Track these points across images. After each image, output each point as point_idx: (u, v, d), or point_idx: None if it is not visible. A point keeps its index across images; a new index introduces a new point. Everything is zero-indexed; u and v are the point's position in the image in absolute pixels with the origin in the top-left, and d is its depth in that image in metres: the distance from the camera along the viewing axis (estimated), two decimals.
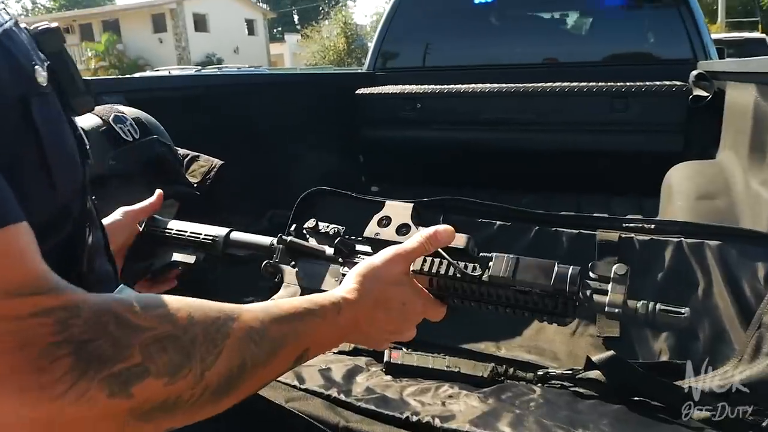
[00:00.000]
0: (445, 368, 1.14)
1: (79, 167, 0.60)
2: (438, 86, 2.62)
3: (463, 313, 1.44)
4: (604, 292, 0.66)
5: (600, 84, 2.39)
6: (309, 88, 2.85)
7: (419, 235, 0.72)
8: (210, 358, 0.47)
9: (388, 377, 1.12)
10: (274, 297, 0.80)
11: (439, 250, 0.72)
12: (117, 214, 0.95)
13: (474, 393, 1.05)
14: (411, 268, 0.72)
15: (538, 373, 1.16)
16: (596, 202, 2.46)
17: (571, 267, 0.67)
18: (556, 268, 0.67)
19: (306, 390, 1.02)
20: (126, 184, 1.37)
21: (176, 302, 0.49)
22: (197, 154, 1.57)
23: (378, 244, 0.75)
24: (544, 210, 1.35)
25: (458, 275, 0.71)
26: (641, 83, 2.34)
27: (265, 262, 0.86)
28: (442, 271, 0.72)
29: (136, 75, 12.96)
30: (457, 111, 2.64)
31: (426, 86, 2.65)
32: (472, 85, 2.55)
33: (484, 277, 0.70)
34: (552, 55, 3.01)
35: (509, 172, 2.56)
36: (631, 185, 2.46)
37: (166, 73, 13.08)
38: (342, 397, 1.12)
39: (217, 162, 1.53)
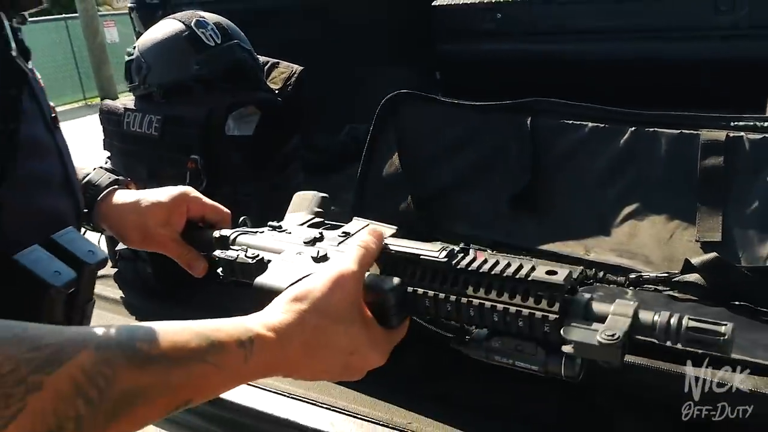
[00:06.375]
0: None
1: None
2: None
3: (547, 214, 1.39)
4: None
5: None
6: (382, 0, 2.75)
7: (357, 238, 0.57)
8: None
9: None
10: None
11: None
12: (175, 192, 0.79)
13: None
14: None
15: (630, 276, 1.11)
16: None
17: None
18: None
19: None
20: (210, 90, 1.39)
21: None
22: (277, 60, 1.56)
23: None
24: None
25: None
26: None
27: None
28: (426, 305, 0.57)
29: None
30: (540, 20, 2.47)
31: None
32: None
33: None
34: None
35: (598, 86, 2.40)
36: (739, 100, 2.24)
37: None
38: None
39: (298, 68, 1.52)
